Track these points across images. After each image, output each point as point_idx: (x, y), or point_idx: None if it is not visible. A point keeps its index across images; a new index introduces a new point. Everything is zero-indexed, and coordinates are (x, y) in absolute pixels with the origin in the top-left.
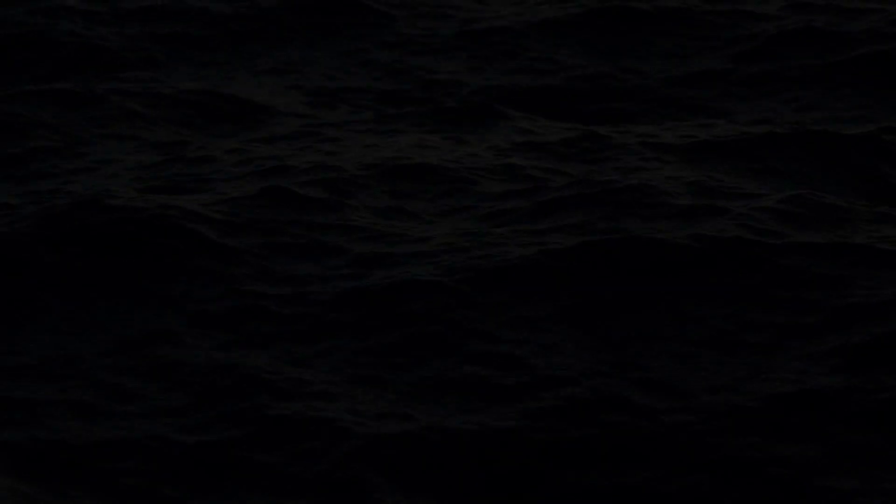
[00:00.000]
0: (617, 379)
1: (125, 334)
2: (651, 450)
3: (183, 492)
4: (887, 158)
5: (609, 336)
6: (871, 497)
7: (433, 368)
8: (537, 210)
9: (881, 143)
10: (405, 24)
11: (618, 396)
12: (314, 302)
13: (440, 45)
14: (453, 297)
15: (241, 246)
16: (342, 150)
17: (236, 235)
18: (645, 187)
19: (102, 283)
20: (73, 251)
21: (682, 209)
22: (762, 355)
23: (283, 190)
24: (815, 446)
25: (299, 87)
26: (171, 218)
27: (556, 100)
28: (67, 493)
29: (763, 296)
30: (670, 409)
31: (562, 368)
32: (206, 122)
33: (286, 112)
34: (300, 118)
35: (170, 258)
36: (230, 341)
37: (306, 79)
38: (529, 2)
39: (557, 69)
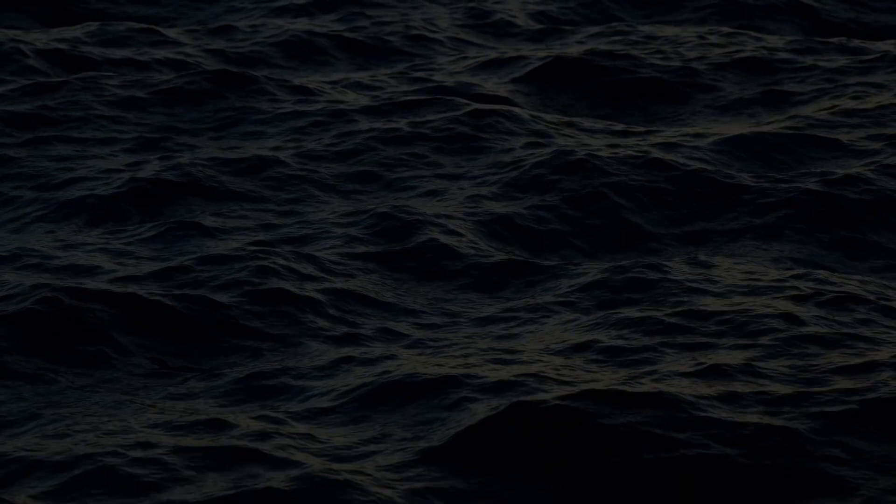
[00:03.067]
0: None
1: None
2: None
3: None
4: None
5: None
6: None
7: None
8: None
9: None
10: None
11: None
12: (302, 376)
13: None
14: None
15: (226, 307)
16: (326, 206)
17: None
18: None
19: (77, 355)
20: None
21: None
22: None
23: (266, 251)
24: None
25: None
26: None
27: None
28: None
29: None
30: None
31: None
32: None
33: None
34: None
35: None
36: (217, 401)
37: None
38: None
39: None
